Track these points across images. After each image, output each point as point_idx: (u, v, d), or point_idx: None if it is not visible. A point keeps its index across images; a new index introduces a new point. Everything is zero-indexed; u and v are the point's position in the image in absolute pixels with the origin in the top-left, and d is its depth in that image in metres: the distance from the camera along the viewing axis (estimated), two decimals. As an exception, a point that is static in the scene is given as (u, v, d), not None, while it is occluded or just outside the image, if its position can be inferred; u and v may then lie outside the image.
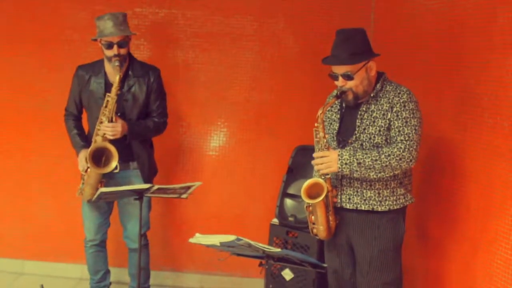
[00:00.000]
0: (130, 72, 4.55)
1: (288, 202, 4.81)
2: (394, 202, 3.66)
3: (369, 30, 4.92)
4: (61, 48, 5.38)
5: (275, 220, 4.89)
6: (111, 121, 4.38)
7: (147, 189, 4.10)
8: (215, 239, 3.37)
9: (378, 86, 3.66)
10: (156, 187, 4.12)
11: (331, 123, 3.82)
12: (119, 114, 4.45)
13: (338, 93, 3.65)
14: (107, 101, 4.37)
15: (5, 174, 5.51)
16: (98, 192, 4.05)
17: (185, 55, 5.39)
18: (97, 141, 4.40)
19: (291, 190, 4.82)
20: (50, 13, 5.35)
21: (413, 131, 3.54)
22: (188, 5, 5.35)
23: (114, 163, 4.33)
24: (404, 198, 3.70)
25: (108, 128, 4.37)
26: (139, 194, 4.13)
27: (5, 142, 5.49)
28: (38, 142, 5.46)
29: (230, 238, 3.29)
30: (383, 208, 3.64)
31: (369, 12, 5.25)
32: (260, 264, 3.52)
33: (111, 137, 4.38)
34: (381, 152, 3.54)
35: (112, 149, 4.34)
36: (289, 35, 5.35)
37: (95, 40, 4.51)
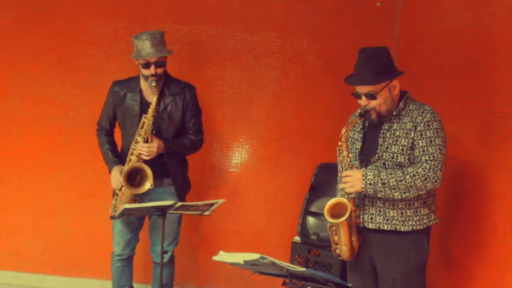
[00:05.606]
0: (165, 90, 4.52)
1: (311, 220, 4.79)
2: (418, 222, 3.62)
3: (393, 49, 4.94)
4: (83, 64, 5.43)
5: (297, 238, 4.87)
6: (146, 141, 4.37)
7: (170, 206, 4.11)
8: (239, 257, 3.34)
9: (401, 104, 3.64)
10: (179, 204, 4.12)
11: (353, 142, 3.79)
12: (154, 132, 4.41)
13: (362, 112, 3.64)
14: (143, 122, 4.36)
15: (26, 188, 5.55)
16: (121, 208, 4.06)
17: (208, 72, 5.41)
18: (132, 160, 4.40)
19: (313, 208, 4.80)
20: (72, 30, 5.40)
21: (438, 151, 3.51)
22: (212, 22, 5.37)
23: (148, 184, 4.32)
24: (428, 218, 3.66)
25: (143, 148, 4.36)
26: (162, 210, 4.14)
27: (27, 157, 5.52)
28: (60, 157, 5.50)
29: (254, 256, 3.26)
30: (406, 228, 3.61)
31: (393, 31, 5.25)
32: (284, 283, 3.50)
33: (147, 158, 4.37)
34: (405, 172, 3.51)
35: (148, 170, 4.33)
36: (313, 52, 5.36)
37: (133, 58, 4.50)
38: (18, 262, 5.57)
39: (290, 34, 5.36)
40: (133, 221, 4.63)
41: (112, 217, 4.47)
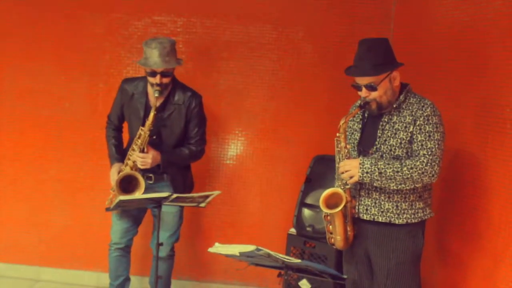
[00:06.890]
0: (171, 98, 4.50)
1: (306, 212, 4.79)
2: (412, 216, 3.62)
3: (389, 40, 4.91)
4: (79, 57, 5.39)
5: (293, 230, 4.87)
6: (142, 151, 4.38)
7: (166, 198, 4.10)
8: (235, 249, 3.35)
9: (402, 97, 3.63)
10: (174, 195, 4.11)
11: (352, 133, 3.80)
12: (154, 137, 4.42)
13: (362, 103, 3.63)
14: (140, 133, 4.37)
15: (22, 181, 5.52)
16: (116, 200, 4.05)
17: (203, 64, 5.38)
18: (129, 164, 4.42)
19: (309, 200, 4.79)
20: (68, 22, 5.36)
21: (436, 146, 3.51)
22: (207, 13, 5.34)
23: (138, 194, 4.32)
24: (423, 212, 3.66)
25: (138, 159, 4.38)
26: (157, 202, 4.14)
27: (23, 149, 5.50)
28: (56, 150, 5.47)
29: (249, 248, 3.26)
30: (400, 221, 3.61)
31: (389, 22, 5.23)
32: (279, 275, 3.50)
33: (141, 167, 4.39)
34: (403, 164, 3.50)
35: (141, 180, 4.34)
36: (308, 44, 5.33)
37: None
38: (13, 254, 5.55)
39: (286, 26, 5.33)
40: (133, 212, 4.64)
41: (108, 209, 4.46)
